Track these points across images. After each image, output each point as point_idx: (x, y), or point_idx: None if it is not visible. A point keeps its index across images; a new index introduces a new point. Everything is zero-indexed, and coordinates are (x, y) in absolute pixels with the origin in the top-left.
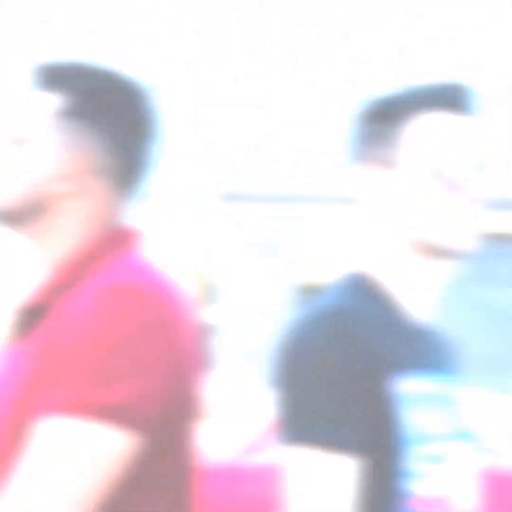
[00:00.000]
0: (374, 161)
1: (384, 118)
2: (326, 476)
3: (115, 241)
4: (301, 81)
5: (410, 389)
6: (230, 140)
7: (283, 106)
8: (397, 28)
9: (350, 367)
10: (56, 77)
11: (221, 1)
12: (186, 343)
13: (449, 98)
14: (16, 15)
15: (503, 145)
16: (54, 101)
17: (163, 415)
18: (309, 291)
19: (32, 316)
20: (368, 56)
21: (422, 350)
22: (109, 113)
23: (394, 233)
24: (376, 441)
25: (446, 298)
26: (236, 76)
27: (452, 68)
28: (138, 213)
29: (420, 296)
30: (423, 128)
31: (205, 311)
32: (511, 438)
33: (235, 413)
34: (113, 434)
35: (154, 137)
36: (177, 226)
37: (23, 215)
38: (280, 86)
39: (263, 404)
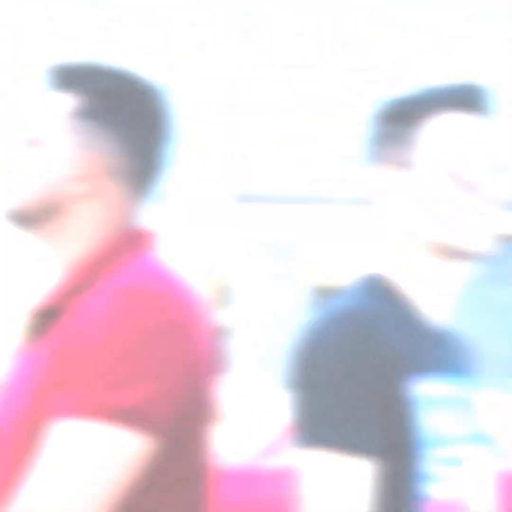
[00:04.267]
0: (390, 162)
1: (400, 119)
2: (342, 479)
3: (129, 242)
4: (315, 81)
5: (427, 391)
6: (244, 141)
7: (297, 105)
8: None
9: (367, 370)
10: (71, 77)
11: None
12: (201, 345)
13: (465, 99)
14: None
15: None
16: (68, 101)
17: (177, 417)
18: (325, 293)
19: (47, 318)
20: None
21: (439, 352)
22: (123, 114)
23: (410, 234)
24: (393, 444)
25: (459, 299)
26: (248, 76)
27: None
28: (153, 214)
29: (436, 298)
30: (439, 129)
31: (220, 313)
32: None
33: (251, 416)
34: (127, 437)
35: (169, 138)
36: (191, 227)
37: (37, 217)
38: (293, 86)
39: (279, 407)
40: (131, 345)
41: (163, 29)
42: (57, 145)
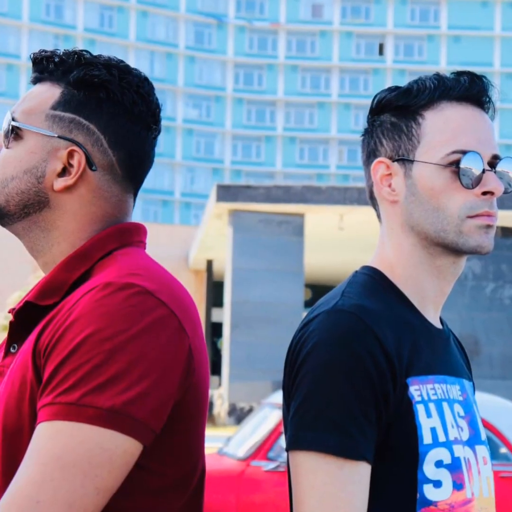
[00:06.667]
0: (388, 154)
1: (399, 111)
2: (337, 484)
3: (117, 237)
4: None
5: (426, 392)
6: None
7: (289, 102)
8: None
9: (364, 369)
10: (54, 68)
11: None
12: (192, 342)
13: (464, 91)
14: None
15: None
16: (52, 93)
17: (167, 416)
18: (318, 290)
19: (32, 316)
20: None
21: (437, 351)
22: (108, 106)
23: (408, 228)
24: (391, 447)
25: (462, 297)
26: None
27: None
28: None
29: (432, 294)
30: (439, 121)
31: (211, 311)
32: None
33: (243, 416)
34: (110, 438)
35: (155, 131)
36: (179, 225)
37: (22, 213)
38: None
39: (272, 407)
40: (118, 343)
41: None
42: (40, 138)
